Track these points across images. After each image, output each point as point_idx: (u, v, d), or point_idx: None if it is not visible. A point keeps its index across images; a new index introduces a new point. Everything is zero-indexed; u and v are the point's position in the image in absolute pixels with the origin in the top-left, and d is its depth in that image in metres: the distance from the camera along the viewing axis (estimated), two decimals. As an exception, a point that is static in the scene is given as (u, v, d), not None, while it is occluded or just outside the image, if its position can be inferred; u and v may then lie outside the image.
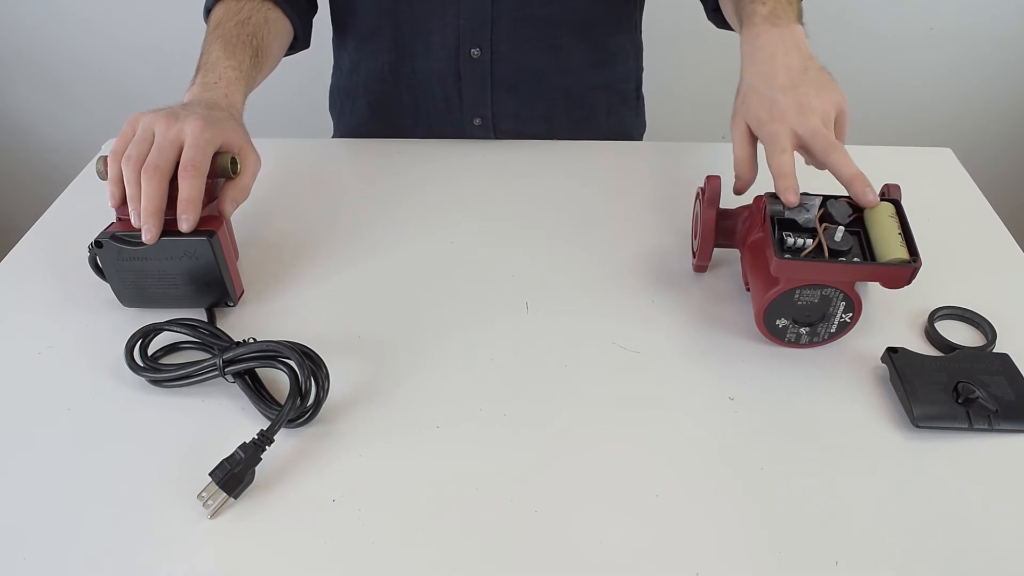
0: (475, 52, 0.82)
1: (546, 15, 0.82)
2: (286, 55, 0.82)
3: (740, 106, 0.60)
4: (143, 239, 0.56)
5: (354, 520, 0.48)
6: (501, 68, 0.84)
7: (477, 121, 0.87)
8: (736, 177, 0.61)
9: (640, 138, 1.01)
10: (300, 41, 0.82)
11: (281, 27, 0.77)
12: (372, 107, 0.91)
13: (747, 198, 0.62)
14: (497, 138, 0.88)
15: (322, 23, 0.92)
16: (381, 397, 0.56)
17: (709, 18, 0.83)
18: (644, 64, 0.97)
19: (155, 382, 0.56)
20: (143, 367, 0.56)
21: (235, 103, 0.65)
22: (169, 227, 0.57)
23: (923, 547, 0.46)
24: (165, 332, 0.59)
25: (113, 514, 0.48)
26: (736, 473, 0.50)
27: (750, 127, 0.59)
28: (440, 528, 0.47)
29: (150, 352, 0.58)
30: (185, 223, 0.56)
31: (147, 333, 0.58)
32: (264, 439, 0.50)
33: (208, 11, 0.77)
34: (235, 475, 0.48)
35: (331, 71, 0.97)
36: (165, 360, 0.59)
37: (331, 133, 1.00)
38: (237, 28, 0.72)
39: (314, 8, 0.85)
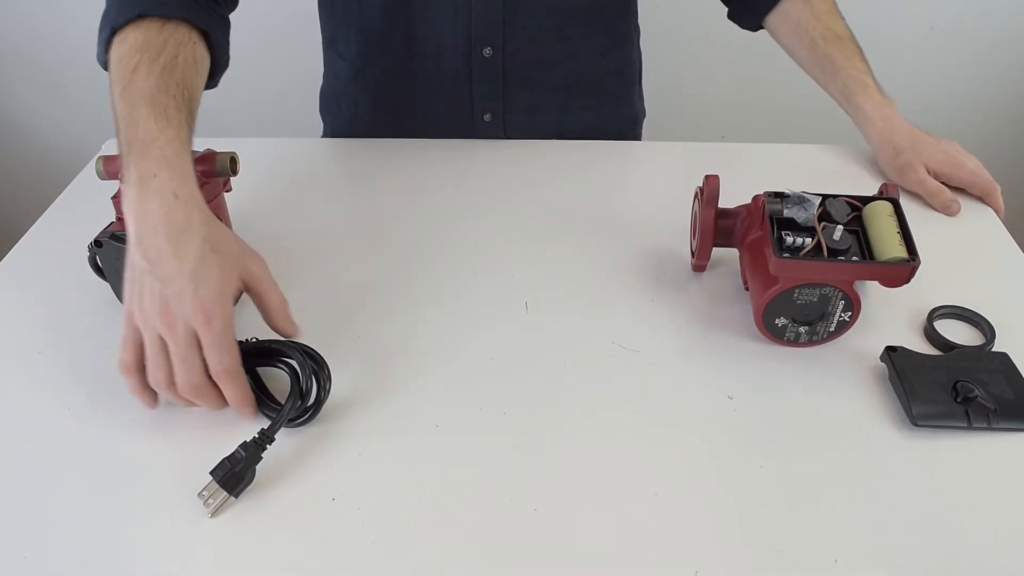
0: (487, 51, 0.82)
1: (555, 5, 0.82)
2: None
3: (915, 157, 0.76)
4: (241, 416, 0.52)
5: (354, 519, 0.48)
6: (512, 64, 0.84)
7: (487, 117, 0.87)
8: (948, 206, 0.74)
9: (642, 123, 1.01)
10: (209, 81, 0.65)
11: (205, 65, 0.63)
12: (380, 108, 0.91)
13: (746, 197, 0.62)
14: (507, 132, 0.88)
15: (309, 26, 0.92)
16: (381, 396, 0.56)
17: (733, 18, 0.88)
18: (644, 62, 0.97)
19: (156, 381, 0.56)
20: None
21: (194, 197, 0.52)
22: None
23: (922, 545, 0.46)
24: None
25: (113, 512, 0.48)
26: (735, 471, 0.51)
27: (930, 167, 0.76)
28: (439, 527, 0.47)
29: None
30: (247, 416, 0.53)
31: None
32: (265, 438, 0.50)
33: (114, 33, 0.58)
34: (236, 473, 0.48)
35: (315, 73, 0.97)
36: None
37: (319, 134, 1.00)
38: (164, 76, 0.56)
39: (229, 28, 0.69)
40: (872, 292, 0.63)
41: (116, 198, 0.60)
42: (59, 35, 1.47)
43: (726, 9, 0.88)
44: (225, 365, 0.50)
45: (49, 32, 1.47)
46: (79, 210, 0.76)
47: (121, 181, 0.53)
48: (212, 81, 0.65)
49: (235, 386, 0.51)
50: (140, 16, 0.58)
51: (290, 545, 0.47)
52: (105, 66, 0.60)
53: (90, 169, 0.82)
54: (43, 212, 0.76)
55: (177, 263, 0.49)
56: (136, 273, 0.51)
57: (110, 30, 0.59)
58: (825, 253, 0.54)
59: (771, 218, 0.57)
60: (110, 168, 0.61)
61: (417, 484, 0.50)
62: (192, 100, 0.58)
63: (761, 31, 0.87)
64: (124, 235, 0.58)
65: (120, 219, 0.60)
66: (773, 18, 0.83)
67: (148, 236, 0.50)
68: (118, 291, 0.62)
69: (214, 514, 0.48)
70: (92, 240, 0.58)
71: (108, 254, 0.59)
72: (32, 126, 1.62)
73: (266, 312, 0.54)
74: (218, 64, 0.65)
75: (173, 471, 0.51)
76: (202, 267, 0.49)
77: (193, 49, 0.60)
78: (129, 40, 0.58)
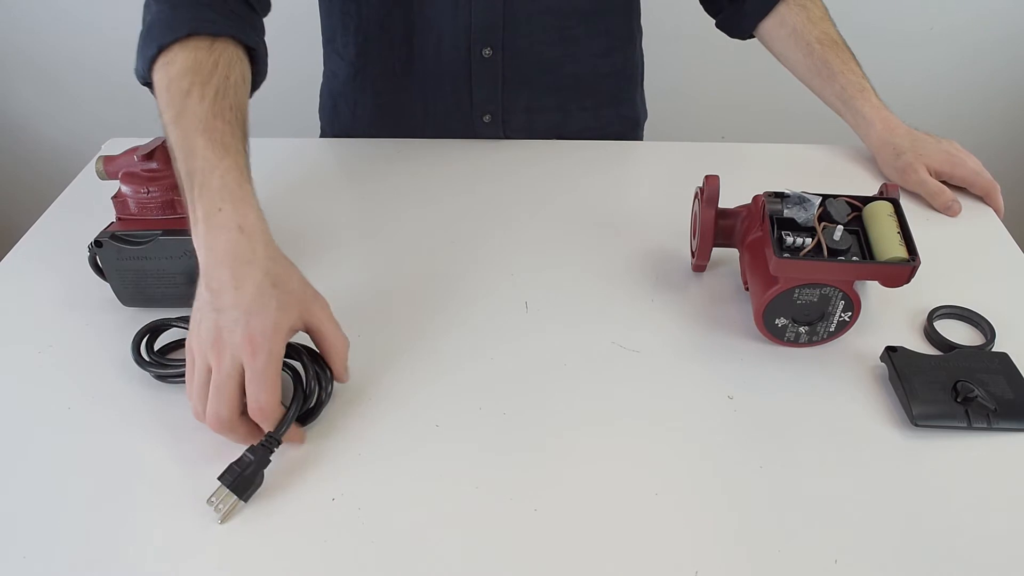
0: (487, 52, 0.82)
1: (557, 6, 0.81)
2: None
3: (915, 158, 0.75)
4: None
5: (354, 519, 0.48)
6: (513, 65, 0.84)
7: (487, 118, 0.87)
8: (949, 206, 0.74)
9: (643, 125, 1.01)
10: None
11: (250, 81, 0.62)
12: (379, 108, 0.90)
13: (746, 197, 0.62)
14: (506, 133, 0.88)
15: (308, 26, 0.91)
16: (381, 396, 0.56)
17: (722, 27, 0.88)
18: (645, 63, 0.97)
19: (161, 377, 0.56)
20: (149, 362, 0.56)
21: (259, 229, 0.52)
22: (169, 226, 0.57)
23: (921, 545, 0.46)
24: (172, 328, 0.59)
25: (113, 513, 0.48)
26: (735, 472, 0.51)
27: (931, 167, 0.75)
28: (440, 526, 0.47)
29: (156, 348, 0.58)
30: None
31: (155, 328, 0.58)
32: (272, 441, 0.49)
33: (160, 51, 0.57)
34: (245, 478, 0.48)
35: (315, 73, 0.96)
36: (171, 356, 0.59)
37: (319, 134, 1.00)
38: (217, 100, 0.55)
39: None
40: (872, 292, 0.63)
41: (116, 198, 0.60)
42: (59, 35, 1.47)
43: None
44: (262, 404, 0.48)
45: (49, 32, 1.47)
46: (79, 210, 0.76)
47: (188, 217, 0.53)
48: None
49: (270, 427, 0.49)
50: (189, 35, 0.57)
51: (290, 545, 0.47)
52: (145, 83, 0.60)
53: (90, 169, 0.82)
54: (43, 212, 0.76)
55: (235, 294, 0.49)
56: (199, 303, 0.51)
57: (156, 48, 0.57)
58: (825, 253, 0.54)
59: (771, 218, 0.57)
60: (110, 168, 0.62)
61: (417, 483, 0.50)
62: (245, 122, 0.57)
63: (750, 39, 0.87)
64: (124, 235, 0.58)
65: (120, 219, 0.60)
66: (768, 24, 0.84)
67: (213, 269, 0.50)
68: (118, 291, 0.62)
69: (224, 520, 0.47)
70: (92, 240, 0.58)
71: (108, 254, 0.59)
72: (32, 126, 1.62)
73: (326, 355, 0.53)
74: (259, 78, 0.64)
75: (174, 470, 0.51)
76: (259, 299, 0.49)
77: (241, 67, 0.59)
78: (178, 61, 0.56)
